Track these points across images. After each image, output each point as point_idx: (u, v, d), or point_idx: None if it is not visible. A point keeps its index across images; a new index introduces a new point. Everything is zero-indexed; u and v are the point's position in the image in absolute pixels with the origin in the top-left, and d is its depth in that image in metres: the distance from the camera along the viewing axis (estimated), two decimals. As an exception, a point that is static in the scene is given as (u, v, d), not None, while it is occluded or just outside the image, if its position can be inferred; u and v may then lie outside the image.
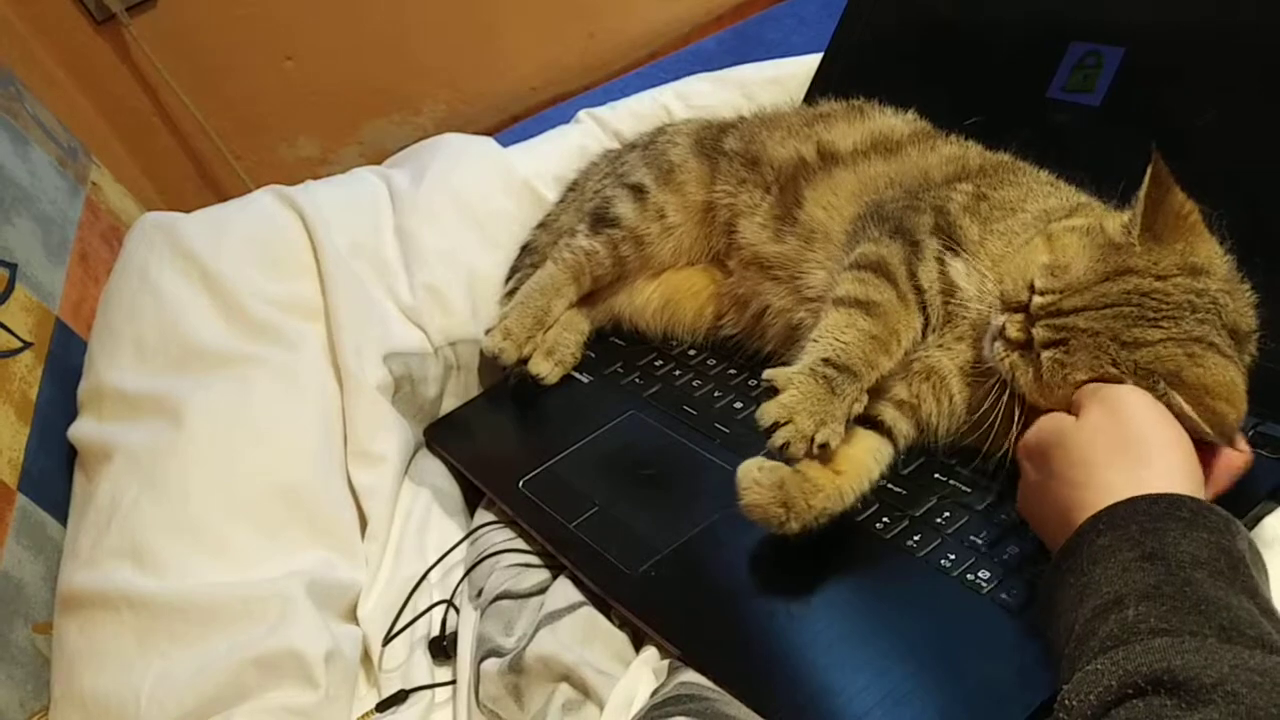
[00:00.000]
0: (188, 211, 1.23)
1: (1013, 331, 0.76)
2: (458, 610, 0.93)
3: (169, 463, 0.97)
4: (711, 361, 1.08)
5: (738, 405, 1.00)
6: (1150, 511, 0.61)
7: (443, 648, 0.91)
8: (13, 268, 1.11)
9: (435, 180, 1.27)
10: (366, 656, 0.93)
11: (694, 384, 1.05)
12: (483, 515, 1.02)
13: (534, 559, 0.94)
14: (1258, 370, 0.75)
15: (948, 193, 0.89)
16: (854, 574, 0.80)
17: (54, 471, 1.03)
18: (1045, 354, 0.73)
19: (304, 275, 1.15)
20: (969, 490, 0.82)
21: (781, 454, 0.76)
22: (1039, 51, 1.07)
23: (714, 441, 0.96)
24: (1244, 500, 0.74)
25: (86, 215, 1.34)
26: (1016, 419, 0.77)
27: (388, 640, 0.92)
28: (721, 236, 1.08)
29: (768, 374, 0.78)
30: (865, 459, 0.82)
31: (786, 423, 0.76)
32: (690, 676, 0.75)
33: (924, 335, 0.84)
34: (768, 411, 0.76)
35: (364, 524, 1.02)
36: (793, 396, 0.76)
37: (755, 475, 0.77)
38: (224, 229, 1.19)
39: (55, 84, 1.87)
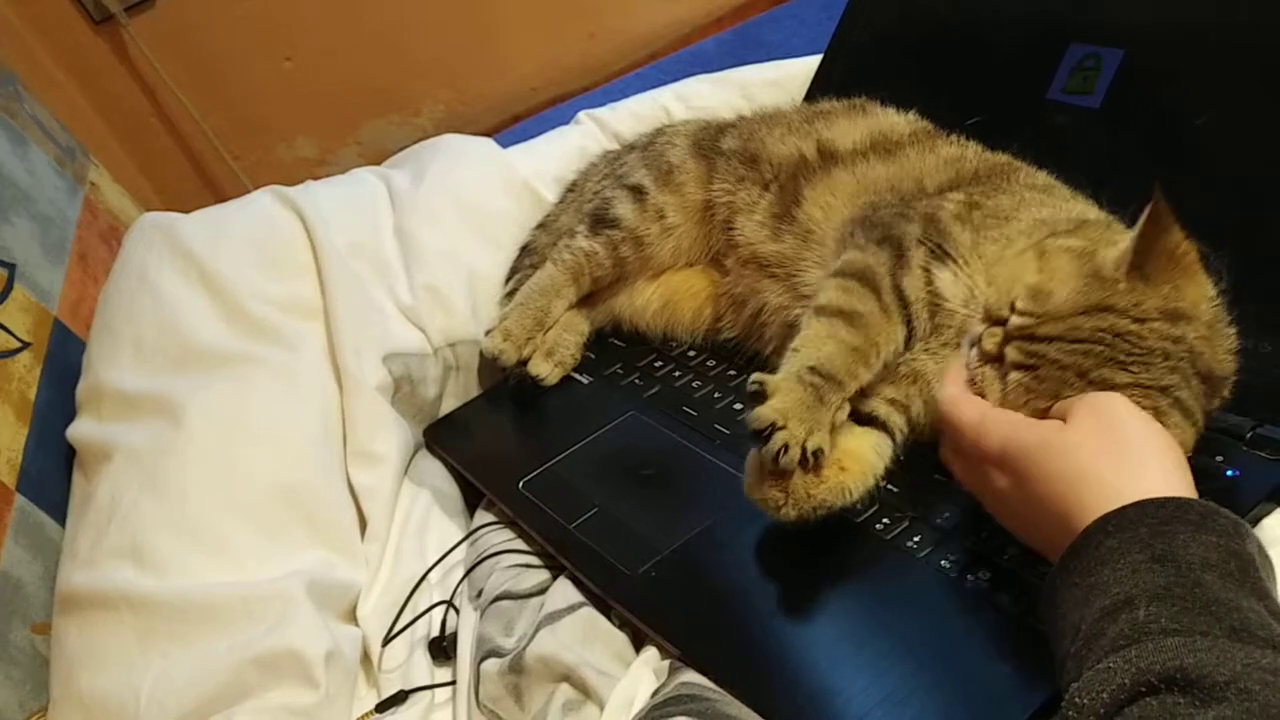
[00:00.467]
0: (186, 211, 1.23)
1: (988, 344, 0.76)
2: (458, 611, 0.93)
3: (168, 463, 0.97)
4: (711, 362, 1.08)
5: (737, 406, 1.00)
6: (1159, 514, 0.61)
7: (443, 648, 0.91)
8: (11, 268, 1.11)
9: (435, 181, 1.27)
10: (366, 657, 0.93)
11: (694, 385, 1.05)
12: (482, 516, 1.02)
13: (534, 559, 0.94)
14: (1258, 371, 0.75)
15: (939, 201, 0.89)
16: (854, 574, 0.80)
17: (53, 472, 1.03)
18: (1013, 375, 0.73)
19: (303, 275, 1.15)
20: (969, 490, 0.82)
21: (780, 457, 0.75)
22: (1038, 53, 1.07)
23: (714, 442, 0.96)
24: (1244, 501, 0.75)
25: (85, 215, 1.34)
26: None
27: (387, 640, 0.92)
28: (720, 236, 1.09)
29: (756, 377, 0.78)
30: (868, 455, 0.82)
31: (783, 427, 0.75)
32: (691, 677, 0.75)
33: (908, 346, 0.84)
34: (762, 415, 0.76)
35: (364, 524, 1.02)
36: (784, 401, 0.76)
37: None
38: (223, 229, 1.19)
39: (54, 84, 1.87)
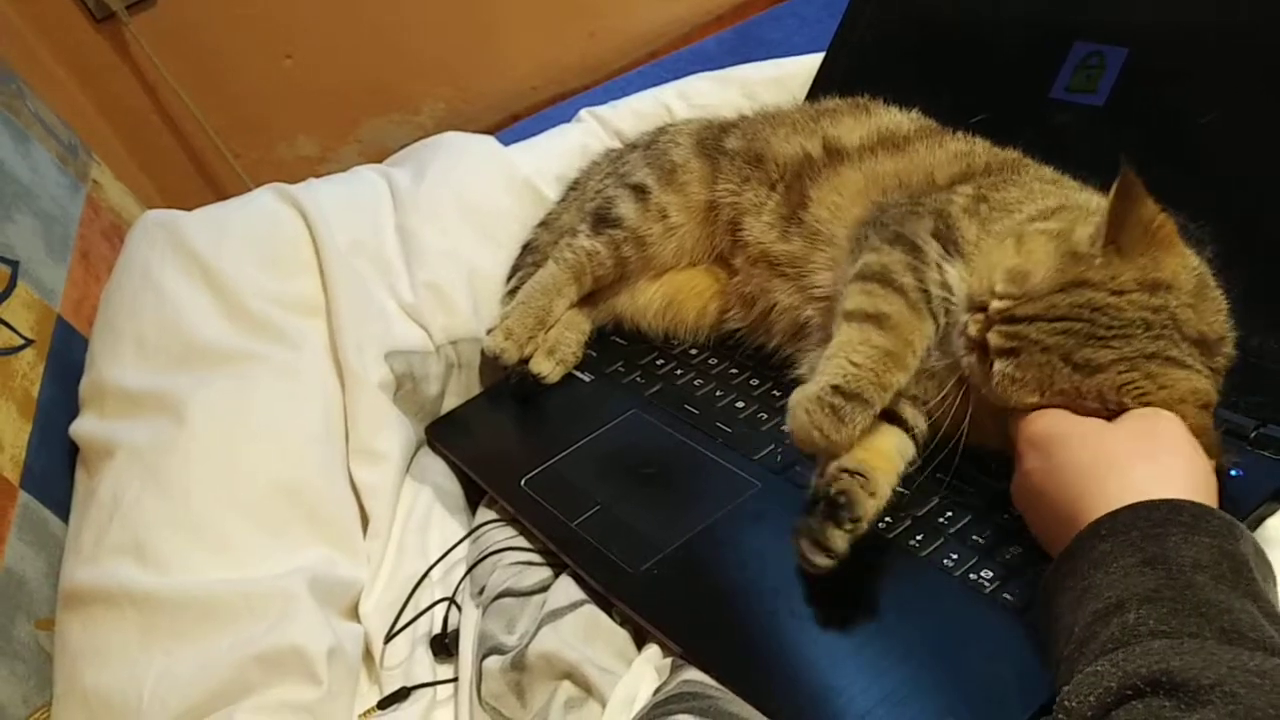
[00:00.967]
0: (188, 209, 1.23)
1: (972, 329, 0.76)
2: (459, 608, 0.93)
3: (171, 460, 0.97)
4: (713, 361, 1.08)
5: (739, 405, 1.00)
6: (1151, 517, 0.61)
7: (444, 645, 0.91)
8: (14, 265, 1.11)
9: (436, 179, 1.27)
10: (368, 654, 0.93)
11: (696, 383, 1.05)
12: (484, 513, 1.02)
13: (536, 557, 0.94)
14: (1262, 370, 0.75)
15: (949, 195, 0.89)
16: (856, 573, 0.80)
17: (56, 468, 1.03)
18: (997, 365, 0.73)
19: (305, 273, 1.15)
20: (971, 490, 0.82)
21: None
22: (1042, 52, 1.07)
23: (716, 441, 0.96)
24: (1248, 501, 0.75)
25: (88, 213, 1.34)
26: (968, 412, 0.79)
27: (389, 638, 0.92)
28: (725, 236, 1.08)
29: (790, 402, 0.80)
30: (891, 459, 0.81)
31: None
32: (692, 674, 0.75)
33: (936, 337, 0.83)
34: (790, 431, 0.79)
35: (366, 522, 1.02)
36: (800, 422, 0.78)
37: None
38: (225, 227, 1.19)
39: (55, 82, 1.87)
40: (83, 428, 1.04)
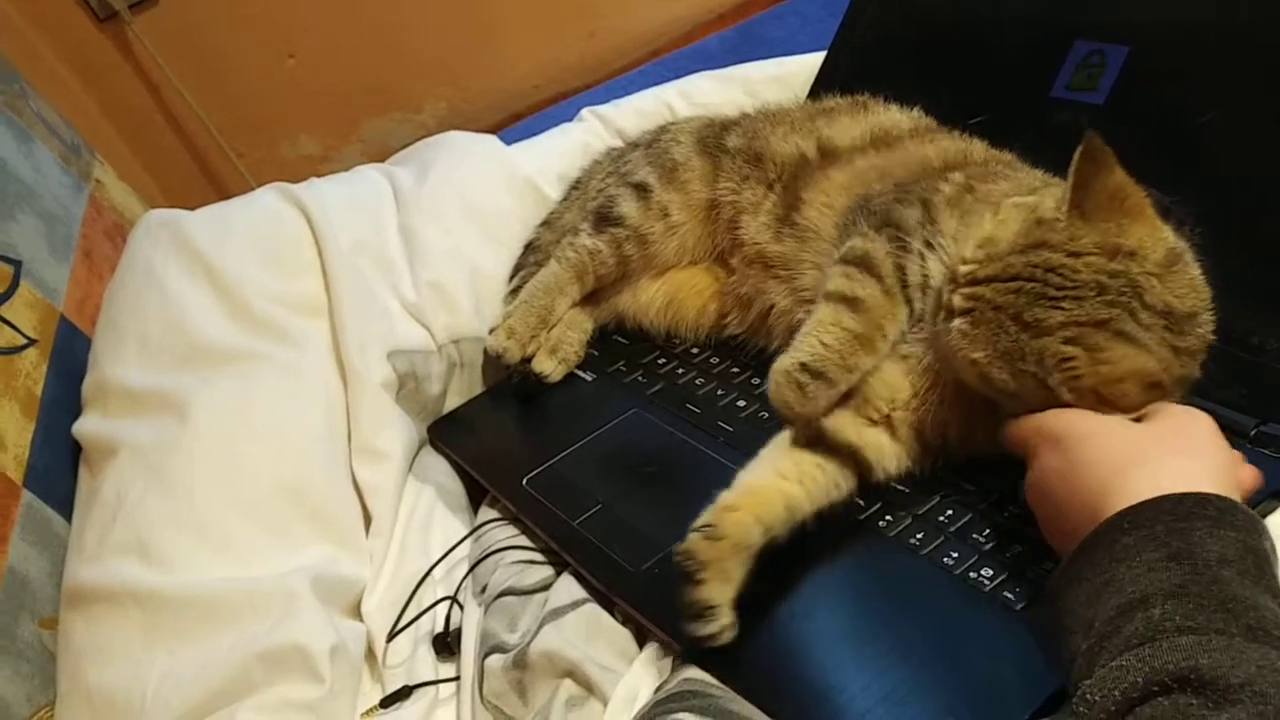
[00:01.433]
0: (191, 208, 1.23)
1: (946, 297, 0.76)
2: (462, 607, 0.93)
3: (174, 459, 0.97)
4: (714, 360, 1.08)
5: (740, 403, 1.00)
6: (1176, 511, 0.60)
7: (447, 644, 0.91)
8: (17, 264, 1.11)
9: (439, 178, 1.27)
10: (371, 652, 0.93)
11: (697, 382, 1.05)
12: (486, 512, 1.02)
13: (537, 556, 0.94)
14: (1262, 368, 0.75)
15: (937, 184, 0.89)
16: (857, 572, 0.81)
17: (59, 468, 1.03)
18: (954, 323, 0.74)
19: (308, 272, 1.16)
20: (972, 489, 0.83)
21: None
22: (1043, 50, 1.07)
23: (717, 440, 0.96)
24: (1248, 499, 0.75)
25: (90, 212, 1.34)
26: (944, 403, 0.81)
27: (392, 636, 0.92)
28: (725, 234, 1.09)
29: (771, 370, 0.83)
30: (779, 486, 0.78)
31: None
32: (693, 673, 0.75)
33: (910, 323, 0.84)
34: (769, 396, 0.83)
35: (368, 521, 1.02)
36: (773, 394, 0.82)
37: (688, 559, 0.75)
38: (228, 226, 1.19)
39: (58, 81, 1.87)
40: (86, 427, 1.04)
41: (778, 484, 0.79)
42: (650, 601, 0.83)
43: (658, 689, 0.77)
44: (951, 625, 0.74)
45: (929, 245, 0.83)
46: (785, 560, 0.79)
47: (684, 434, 0.98)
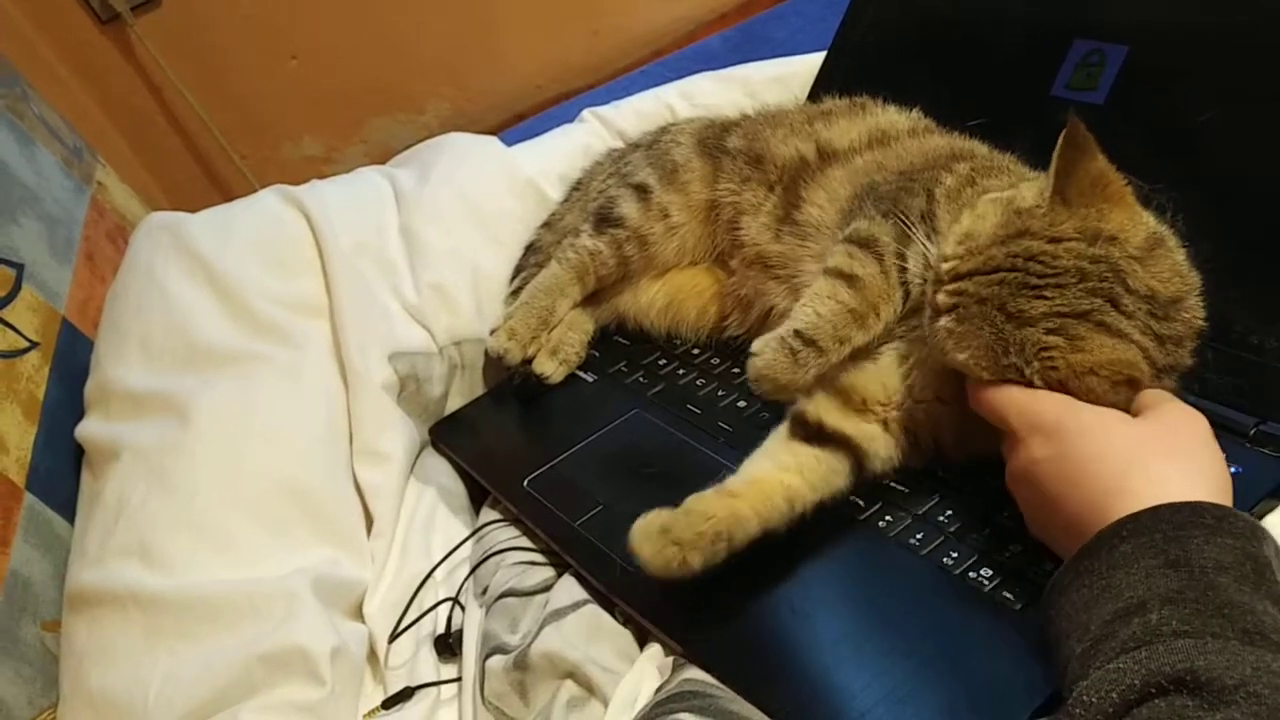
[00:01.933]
0: (193, 210, 1.24)
1: (929, 294, 0.76)
2: (463, 608, 0.93)
3: (176, 461, 0.97)
4: (715, 360, 1.08)
5: (741, 404, 1.00)
6: (1174, 519, 0.60)
7: (448, 645, 0.91)
8: (19, 267, 1.11)
9: (440, 180, 1.28)
10: (372, 654, 0.94)
11: (698, 383, 1.05)
12: (487, 513, 1.02)
13: (539, 557, 0.94)
14: (1261, 367, 0.75)
15: (941, 174, 0.89)
16: (857, 572, 0.81)
17: (61, 470, 1.03)
18: (940, 321, 0.73)
19: (309, 274, 1.16)
20: (971, 489, 0.82)
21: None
22: (1042, 50, 1.07)
23: (718, 440, 0.96)
24: (1247, 498, 0.75)
25: (92, 215, 1.34)
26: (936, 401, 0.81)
27: (393, 638, 0.92)
28: (725, 235, 1.09)
29: (754, 344, 0.84)
30: (781, 478, 0.79)
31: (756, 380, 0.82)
32: (694, 673, 0.76)
33: (903, 307, 0.84)
34: (749, 368, 0.83)
35: (370, 522, 1.02)
36: (761, 362, 0.82)
37: (642, 531, 0.76)
38: (229, 228, 1.19)
39: (60, 83, 1.88)
40: (88, 429, 1.05)
41: (778, 475, 0.79)
42: (651, 602, 0.83)
43: (658, 689, 0.77)
44: (951, 625, 0.74)
45: (929, 240, 0.83)
46: (787, 558, 0.79)
47: (685, 435, 0.99)
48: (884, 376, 0.84)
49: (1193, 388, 0.75)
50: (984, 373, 0.72)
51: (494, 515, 1.01)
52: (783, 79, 1.38)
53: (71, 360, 1.11)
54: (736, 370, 1.05)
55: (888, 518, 0.83)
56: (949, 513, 0.81)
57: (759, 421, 0.97)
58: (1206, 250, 0.75)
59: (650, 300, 1.13)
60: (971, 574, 0.76)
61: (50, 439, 1.03)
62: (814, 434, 0.82)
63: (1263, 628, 0.54)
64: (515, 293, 1.17)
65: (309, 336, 1.10)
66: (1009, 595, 0.74)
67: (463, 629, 0.91)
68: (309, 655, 0.85)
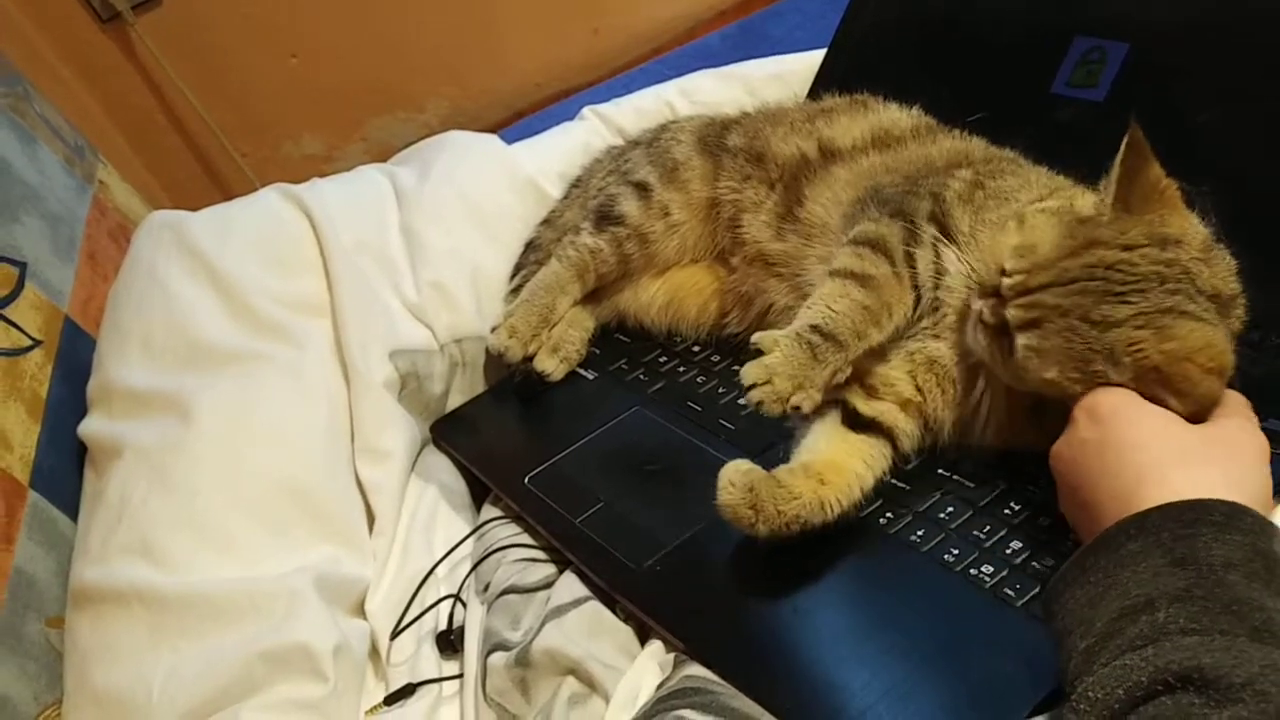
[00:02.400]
0: (194, 209, 1.24)
1: (989, 317, 0.76)
2: (464, 605, 0.94)
3: (178, 459, 0.98)
4: (716, 358, 1.08)
5: (742, 401, 1.00)
6: (1182, 518, 0.60)
7: (450, 642, 0.92)
8: (22, 266, 1.11)
9: (440, 178, 1.28)
10: (374, 651, 0.94)
11: (698, 380, 1.05)
12: (489, 511, 1.02)
13: (540, 554, 0.94)
14: (1262, 364, 0.75)
15: (946, 179, 0.89)
16: (858, 569, 0.81)
17: (64, 468, 1.04)
18: (1020, 339, 0.73)
19: (310, 273, 1.16)
20: (972, 486, 0.83)
21: (757, 412, 0.79)
22: (1043, 47, 1.07)
23: (718, 437, 0.97)
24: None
25: (94, 213, 1.34)
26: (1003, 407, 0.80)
27: (395, 634, 0.93)
28: (726, 233, 1.09)
29: (756, 337, 0.81)
30: (854, 466, 0.81)
31: (766, 383, 0.78)
32: (695, 670, 0.76)
33: (915, 316, 0.84)
34: (749, 372, 0.79)
35: (371, 520, 1.02)
36: (775, 359, 0.79)
37: (731, 476, 0.78)
38: (230, 227, 1.20)
39: (61, 83, 1.88)
40: (91, 428, 1.05)
41: (850, 463, 0.81)
42: (652, 599, 0.84)
43: (659, 686, 0.77)
44: (952, 622, 0.74)
45: (943, 237, 0.84)
46: (788, 555, 0.80)
47: (685, 432, 0.99)
48: (889, 372, 0.85)
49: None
50: (1076, 385, 0.71)
51: (495, 512, 1.01)
52: (782, 76, 1.38)
53: (74, 358, 1.12)
54: (737, 368, 1.05)
55: (888, 515, 0.83)
56: (950, 510, 0.81)
57: (760, 419, 0.97)
58: (1219, 233, 0.75)
59: (651, 298, 1.13)
60: (972, 571, 0.76)
61: (53, 437, 1.03)
62: (854, 421, 0.84)
63: (1272, 625, 0.54)
64: (515, 290, 1.17)
65: (310, 335, 1.10)
66: (1010, 592, 0.74)
67: (464, 626, 0.91)
68: (311, 652, 0.86)
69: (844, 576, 0.81)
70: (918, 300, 0.84)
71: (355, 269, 1.16)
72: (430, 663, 0.91)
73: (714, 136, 1.12)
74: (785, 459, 0.90)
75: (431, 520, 1.03)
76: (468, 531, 1.01)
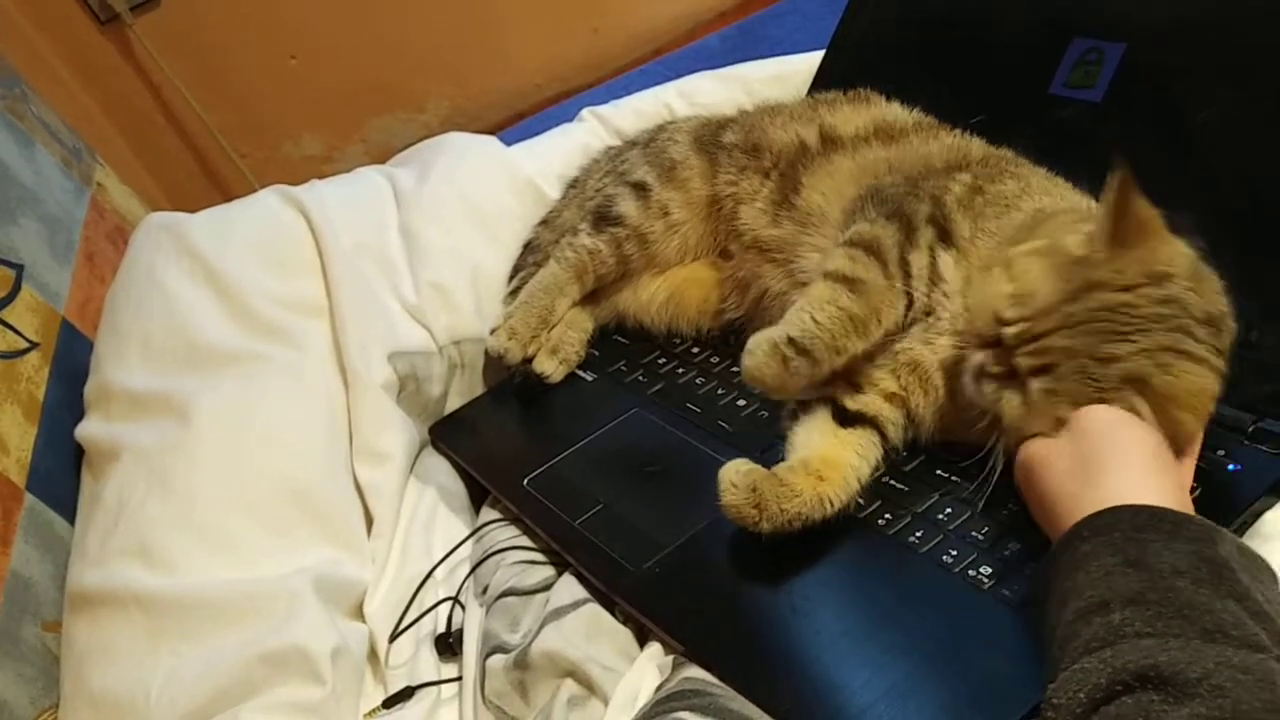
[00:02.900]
0: (193, 211, 1.24)
1: (995, 367, 0.76)
2: (463, 607, 0.93)
3: (176, 462, 0.97)
4: (715, 359, 1.08)
5: (741, 403, 1.00)
6: (1134, 522, 0.62)
7: (448, 644, 0.91)
8: (19, 268, 1.11)
9: (439, 179, 1.28)
10: (373, 653, 0.94)
11: (697, 381, 1.05)
12: (488, 513, 1.02)
13: (539, 556, 0.94)
14: (1260, 365, 0.75)
15: (946, 183, 0.89)
16: (857, 570, 0.81)
17: (61, 471, 1.03)
18: (1034, 384, 0.73)
19: (309, 274, 1.16)
20: (970, 486, 0.82)
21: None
22: (1041, 47, 1.07)
23: (717, 439, 0.96)
24: (1245, 495, 0.75)
25: (92, 215, 1.34)
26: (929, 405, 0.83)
27: (394, 637, 0.93)
28: (726, 229, 1.09)
29: (750, 341, 0.85)
30: (848, 459, 0.82)
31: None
32: (694, 672, 0.76)
33: (906, 320, 0.85)
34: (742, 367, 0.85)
35: (370, 522, 1.02)
36: (751, 362, 0.83)
37: (733, 477, 0.79)
38: (229, 228, 1.20)
39: (60, 84, 1.87)
40: (88, 430, 1.05)
41: (845, 456, 0.82)
42: (651, 601, 0.83)
43: (659, 688, 0.77)
44: (951, 622, 0.74)
45: (941, 242, 0.84)
46: (787, 556, 0.80)
47: (685, 433, 0.99)
48: (880, 371, 0.86)
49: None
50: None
51: (494, 514, 1.01)
52: (781, 77, 1.38)
53: (71, 361, 1.12)
54: (736, 369, 1.05)
55: (887, 516, 0.83)
56: (948, 511, 0.81)
57: (759, 420, 0.97)
58: (1204, 248, 0.75)
59: (651, 296, 1.13)
60: (971, 571, 0.76)
61: (50, 439, 1.03)
62: (843, 417, 0.85)
63: (1223, 625, 0.56)
64: (514, 292, 1.17)
65: (309, 336, 1.10)
66: (1008, 592, 0.74)
67: (463, 628, 0.91)
68: (310, 655, 0.86)
69: (843, 578, 0.80)
70: (910, 304, 0.85)
71: (354, 270, 1.16)
72: (429, 665, 0.90)
73: (710, 135, 1.12)
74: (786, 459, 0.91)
75: (430, 522, 1.03)
76: (467, 534, 1.01)
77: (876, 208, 0.89)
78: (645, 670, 0.80)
